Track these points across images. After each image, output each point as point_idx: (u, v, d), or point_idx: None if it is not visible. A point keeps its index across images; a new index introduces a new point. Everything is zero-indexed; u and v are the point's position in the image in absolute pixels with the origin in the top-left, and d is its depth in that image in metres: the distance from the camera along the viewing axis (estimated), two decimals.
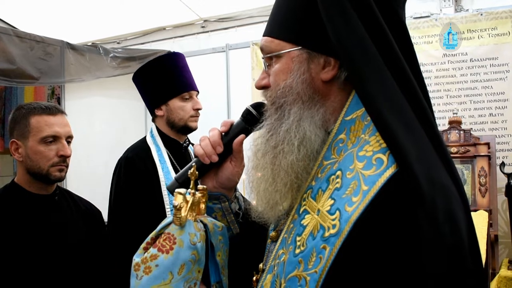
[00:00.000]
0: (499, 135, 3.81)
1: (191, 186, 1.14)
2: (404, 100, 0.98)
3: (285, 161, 1.06)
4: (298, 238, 0.99)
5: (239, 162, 1.25)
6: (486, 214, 3.21)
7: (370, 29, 1.00)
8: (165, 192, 2.47)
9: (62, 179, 2.12)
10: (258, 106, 1.22)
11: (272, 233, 1.16)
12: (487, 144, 3.48)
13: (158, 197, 2.47)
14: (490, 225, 3.21)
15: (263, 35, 1.15)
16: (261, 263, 1.16)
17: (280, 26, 1.11)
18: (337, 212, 0.92)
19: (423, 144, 0.95)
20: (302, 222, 1.01)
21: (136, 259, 1.08)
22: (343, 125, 1.04)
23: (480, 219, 3.11)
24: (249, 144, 1.21)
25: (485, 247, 2.94)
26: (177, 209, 1.09)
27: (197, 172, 1.16)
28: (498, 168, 3.47)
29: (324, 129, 1.07)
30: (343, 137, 1.03)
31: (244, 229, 1.29)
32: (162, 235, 1.09)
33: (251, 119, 1.22)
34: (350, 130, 1.02)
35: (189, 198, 1.11)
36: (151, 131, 2.69)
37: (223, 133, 1.23)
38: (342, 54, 1.00)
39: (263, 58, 1.14)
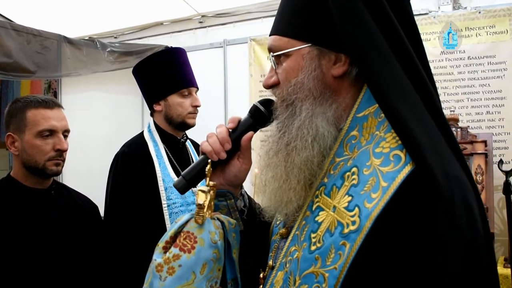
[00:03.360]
0: (496, 133, 3.81)
1: (207, 183, 1.13)
2: (416, 95, 0.99)
3: (298, 158, 1.06)
4: (313, 235, 1.00)
5: (246, 159, 1.24)
6: None
7: (380, 25, 1.00)
8: (162, 187, 2.47)
9: (58, 173, 2.11)
10: (266, 102, 1.21)
11: (282, 230, 1.15)
12: (484, 142, 3.48)
13: (155, 193, 2.46)
14: None
15: (271, 34, 1.14)
16: (270, 260, 1.16)
17: (289, 24, 1.10)
18: (356, 208, 0.93)
19: (436, 138, 0.96)
20: (316, 219, 1.01)
21: (158, 259, 1.07)
22: (355, 122, 1.04)
23: None
24: (257, 141, 1.20)
25: None
26: (200, 207, 1.08)
27: (212, 169, 1.15)
28: (494, 166, 3.47)
29: (336, 126, 1.07)
30: (356, 133, 1.03)
31: (249, 227, 1.29)
32: (182, 234, 1.09)
33: (259, 115, 1.21)
34: (363, 127, 1.03)
35: (208, 196, 1.11)
36: (149, 126, 2.67)
37: (230, 130, 1.22)
38: (353, 51, 1.00)
39: (272, 56, 1.13)
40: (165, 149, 2.60)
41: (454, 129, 3.56)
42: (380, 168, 0.94)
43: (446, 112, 3.85)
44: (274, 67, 1.14)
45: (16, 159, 2.09)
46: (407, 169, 0.91)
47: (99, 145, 4.79)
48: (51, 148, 2.04)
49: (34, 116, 2.03)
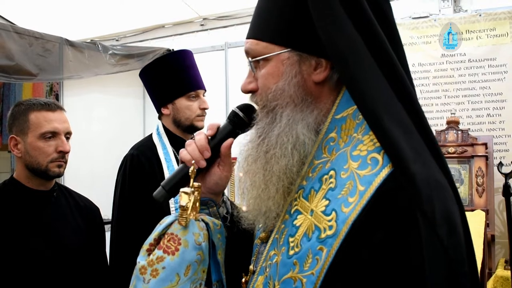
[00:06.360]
0: (496, 136, 3.82)
1: (191, 185, 1.11)
2: (395, 98, 0.97)
3: (277, 167, 1.03)
4: (291, 239, 0.98)
5: (227, 166, 1.20)
6: (483, 214, 3.22)
7: (359, 27, 0.98)
8: None
9: (61, 175, 2.12)
10: (245, 108, 1.18)
11: (261, 234, 1.13)
12: (485, 144, 3.49)
13: None
14: (487, 225, 3.22)
15: (247, 37, 1.11)
16: (251, 265, 1.14)
17: (266, 28, 1.07)
18: (333, 213, 0.91)
19: (416, 142, 0.95)
20: (294, 223, 0.99)
21: (141, 262, 1.06)
22: (333, 124, 1.02)
23: (477, 219, 3.12)
24: (237, 147, 1.17)
25: (482, 247, 2.95)
26: (183, 209, 1.07)
27: (195, 170, 1.13)
28: (495, 168, 3.48)
29: (316, 132, 1.05)
30: (334, 135, 1.01)
31: (232, 233, 1.26)
32: (166, 236, 1.07)
33: (238, 121, 1.18)
34: (341, 128, 1.01)
35: (191, 197, 1.09)
36: (157, 129, 2.67)
37: (209, 137, 1.18)
38: (332, 54, 0.98)
39: (250, 62, 1.10)
40: (173, 151, 2.59)
41: (454, 131, 3.57)
42: (357, 172, 0.92)
43: (447, 115, 3.86)
44: (252, 72, 1.11)
45: (19, 161, 2.10)
46: (384, 172, 0.89)
47: (100, 147, 4.81)
48: (54, 150, 2.05)
49: (37, 118, 2.05)
